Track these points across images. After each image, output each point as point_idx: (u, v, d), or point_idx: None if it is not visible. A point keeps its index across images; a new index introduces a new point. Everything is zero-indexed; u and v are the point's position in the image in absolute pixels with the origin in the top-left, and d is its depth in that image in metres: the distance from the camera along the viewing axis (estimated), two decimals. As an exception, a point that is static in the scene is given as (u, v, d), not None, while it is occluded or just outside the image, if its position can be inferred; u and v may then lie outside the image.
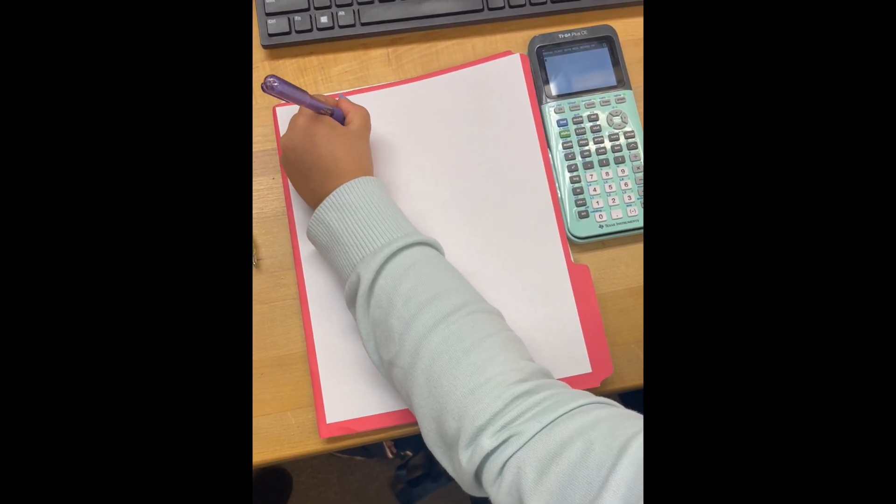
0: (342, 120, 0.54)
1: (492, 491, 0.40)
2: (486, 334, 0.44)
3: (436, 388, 0.42)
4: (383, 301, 0.46)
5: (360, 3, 0.61)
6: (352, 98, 0.59)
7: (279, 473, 1.26)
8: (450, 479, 1.31)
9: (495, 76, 0.61)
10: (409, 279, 0.46)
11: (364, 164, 0.52)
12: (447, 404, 0.42)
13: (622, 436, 0.36)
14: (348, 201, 0.49)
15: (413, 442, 1.22)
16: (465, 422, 0.40)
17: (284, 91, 0.45)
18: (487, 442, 0.39)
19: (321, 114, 0.51)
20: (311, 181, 0.51)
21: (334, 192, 0.49)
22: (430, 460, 1.22)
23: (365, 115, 0.54)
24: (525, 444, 0.38)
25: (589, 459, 0.35)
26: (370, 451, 1.23)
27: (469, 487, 0.42)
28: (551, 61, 0.61)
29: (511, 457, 0.39)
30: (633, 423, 0.37)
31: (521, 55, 0.61)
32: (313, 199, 0.52)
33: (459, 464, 0.41)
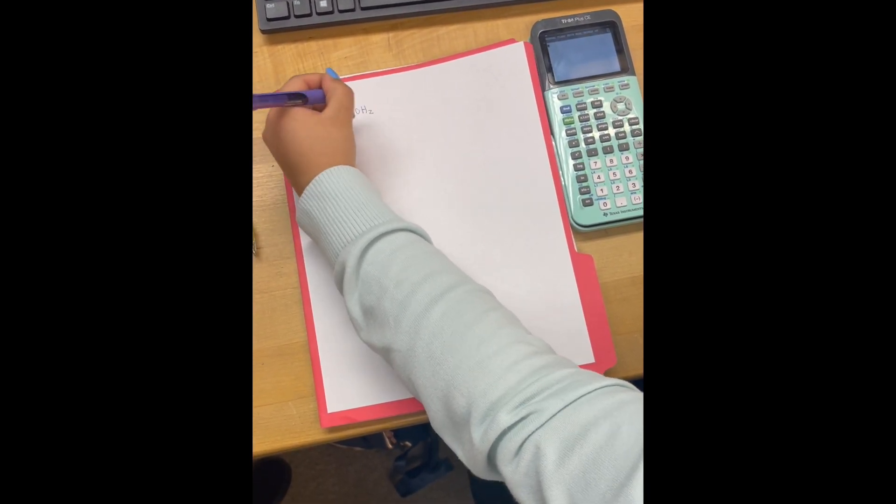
0: (322, 101, 0.52)
1: (507, 471, 0.37)
2: (487, 308, 0.42)
3: (440, 366, 0.40)
4: (373, 286, 0.44)
5: (360, -12, 0.60)
6: (355, 84, 0.58)
7: (278, 464, 1.26)
8: (448, 469, 1.31)
9: (499, 64, 0.60)
10: (397, 262, 0.44)
11: (335, 155, 0.50)
12: (454, 381, 0.39)
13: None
14: (326, 190, 0.48)
15: (412, 433, 1.21)
16: (477, 397, 0.38)
17: (265, 102, 0.47)
18: (505, 418, 0.37)
19: (295, 105, 0.50)
20: (289, 174, 0.51)
21: (312, 182, 0.48)
22: (429, 451, 1.22)
23: (341, 99, 0.51)
24: (546, 422, 0.36)
25: (616, 444, 0.33)
26: (369, 441, 1.23)
27: (481, 469, 0.40)
28: (554, 47, 0.61)
29: (530, 435, 0.36)
30: None
31: (525, 43, 0.60)
32: (298, 191, 0.51)
33: (471, 443, 0.38)
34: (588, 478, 0.33)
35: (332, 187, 0.48)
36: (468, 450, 0.39)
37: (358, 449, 1.26)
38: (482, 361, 0.39)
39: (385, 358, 0.46)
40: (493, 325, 0.41)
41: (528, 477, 0.36)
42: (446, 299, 0.42)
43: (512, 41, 0.60)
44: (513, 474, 0.37)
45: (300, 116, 0.49)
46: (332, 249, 0.47)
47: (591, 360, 0.54)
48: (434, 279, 0.43)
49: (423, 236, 0.48)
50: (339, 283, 0.47)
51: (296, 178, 0.50)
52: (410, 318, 0.42)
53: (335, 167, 0.49)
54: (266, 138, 0.52)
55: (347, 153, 0.51)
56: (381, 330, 0.44)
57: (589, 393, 0.36)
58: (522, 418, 0.37)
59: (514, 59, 0.60)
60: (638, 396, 0.36)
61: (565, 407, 0.36)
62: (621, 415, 0.34)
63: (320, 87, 0.52)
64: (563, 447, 0.35)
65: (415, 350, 0.42)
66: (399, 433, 1.22)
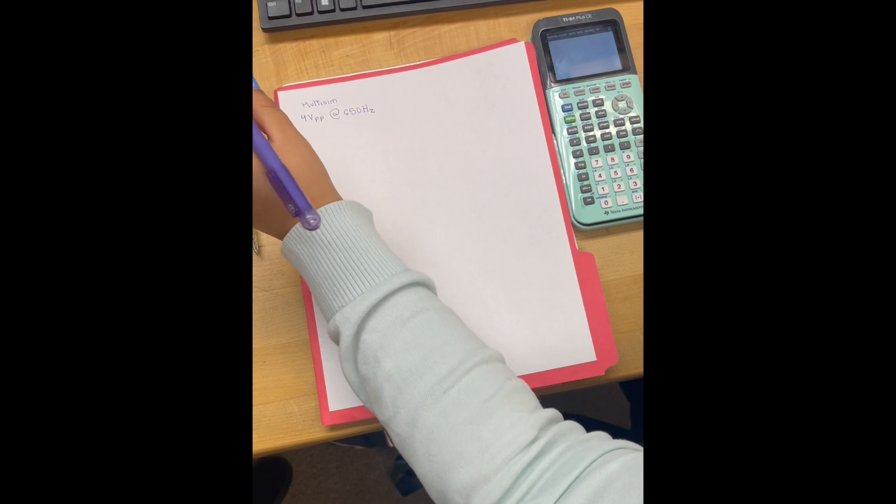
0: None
1: None
2: (489, 395, 0.40)
3: (437, 465, 0.39)
4: (370, 359, 0.41)
5: (361, -14, 0.60)
6: (357, 83, 0.58)
7: (279, 462, 1.26)
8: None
9: (500, 64, 0.60)
10: (397, 335, 0.41)
11: (313, 176, 0.44)
12: (451, 483, 0.38)
13: (637, 492, 0.34)
14: (318, 234, 0.43)
15: (413, 431, 1.21)
16: (475, 502, 0.37)
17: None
18: None
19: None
20: (265, 223, 0.45)
21: (296, 227, 0.43)
22: (430, 449, 1.22)
23: (278, 118, 0.45)
24: None
25: None
26: (370, 440, 1.23)
27: None
28: (555, 45, 0.61)
29: None
30: None
31: (526, 43, 0.60)
32: (279, 234, 0.45)
33: None
34: None
35: (327, 232, 0.43)
36: None
37: (359, 447, 1.26)
38: (480, 467, 0.38)
39: (384, 426, 0.43)
40: (494, 416, 0.39)
41: None
42: (445, 388, 0.40)
43: (513, 41, 0.61)
44: None
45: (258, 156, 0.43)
46: (327, 306, 0.43)
47: (593, 357, 0.54)
48: (434, 361, 0.40)
49: (426, 286, 0.44)
50: (335, 341, 0.44)
51: (276, 221, 0.44)
52: (408, 408, 0.40)
53: (328, 206, 0.43)
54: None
55: (319, 175, 0.45)
56: (378, 406, 0.42)
57: (577, 477, 0.36)
58: None
59: (516, 59, 0.60)
60: (628, 462, 0.36)
61: (556, 501, 0.35)
62: (611, 493, 0.34)
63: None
64: None
65: (412, 441, 0.40)
66: (400, 432, 1.21)
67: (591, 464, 0.36)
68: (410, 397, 0.40)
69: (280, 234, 0.45)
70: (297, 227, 0.43)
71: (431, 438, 0.39)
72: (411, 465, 0.42)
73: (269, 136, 0.45)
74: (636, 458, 0.36)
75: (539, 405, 0.41)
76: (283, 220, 0.44)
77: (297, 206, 0.40)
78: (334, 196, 0.46)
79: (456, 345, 0.42)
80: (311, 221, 0.40)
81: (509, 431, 0.38)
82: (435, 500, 0.41)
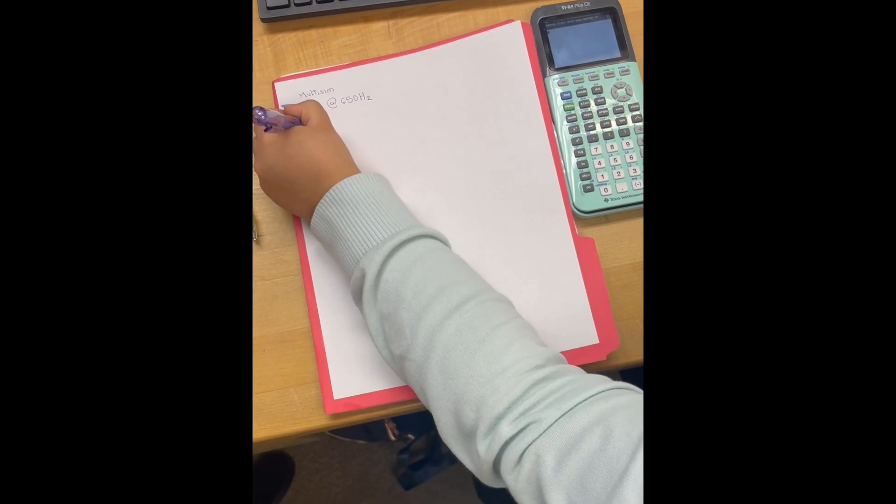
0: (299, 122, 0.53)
1: (510, 479, 0.39)
2: (500, 322, 0.43)
3: (452, 380, 0.42)
4: (391, 295, 0.45)
5: (359, -25, 0.60)
6: (352, 70, 0.58)
7: (281, 458, 1.26)
8: (451, 462, 1.31)
9: (496, 45, 0.60)
10: (416, 271, 0.45)
11: (343, 154, 0.52)
12: (465, 395, 0.41)
13: (641, 423, 0.35)
14: (348, 196, 0.48)
15: (415, 426, 1.22)
16: (484, 411, 0.40)
17: (271, 119, 0.48)
18: (506, 429, 0.39)
19: (293, 126, 0.51)
20: (301, 192, 0.51)
21: (334, 188, 0.48)
22: (432, 444, 1.22)
23: (317, 107, 0.53)
24: (544, 431, 0.38)
25: (608, 447, 0.35)
26: (372, 434, 1.23)
27: (487, 478, 0.42)
28: (554, 33, 0.61)
29: (530, 444, 0.38)
30: None
31: (521, 23, 0.60)
32: (308, 208, 0.51)
33: (478, 454, 0.40)
34: (584, 481, 0.35)
35: (355, 193, 0.48)
36: (475, 460, 0.41)
37: (361, 442, 1.26)
38: (491, 378, 0.40)
39: (398, 366, 0.47)
40: (505, 340, 0.42)
41: (529, 484, 0.38)
42: (461, 312, 0.43)
43: (509, 21, 0.60)
44: (515, 482, 0.39)
45: (299, 130, 0.50)
46: (352, 256, 0.48)
47: (596, 341, 0.54)
48: (451, 291, 0.44)
49: (443, 241, 0.50)
50: (358, 291, 0.48)
51: (314, 187, 0.50)
52: (426, 331, 0.43)
53: (357, 175, 0.49)
54: (268, 164, 0.50)
55: (347, 153, 0.53)
56: (397, 339, 0.45)
57: (585, 400, 0.38)
58: (522, 429, 0.38)
59: (512, 39, 0.60)
60: (632, 399, 0.38)
61: (562, 416, 0.38)
62: (614, 419, 0.36)
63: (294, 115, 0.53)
64: (560, 454, 0.36)
65: (429, 362, 0.43)
66: (402, 426, 1.22)
67: (597, 393, 0.38)
68: (428, 322, 0.43)
69: (309, 209, 0.51)
70: (330, 193, 0.49)
71: (447, 354, 0.42)
72: (424, 393, 0.44)
73: (307, 119, 0.52)
74: (639, 396, 0.38)
75: (544, 344, 0.44)
76: (310, 194, 0.50)
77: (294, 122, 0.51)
78: (357, 171, 0.52)
79: (470, 282, 0.46)
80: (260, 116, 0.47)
81: (519, 352, 0.41)
82: (446, 426, 0.43)
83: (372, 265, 0.46)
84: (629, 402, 0.37)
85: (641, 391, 0.40)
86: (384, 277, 0.46)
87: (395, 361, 0.47)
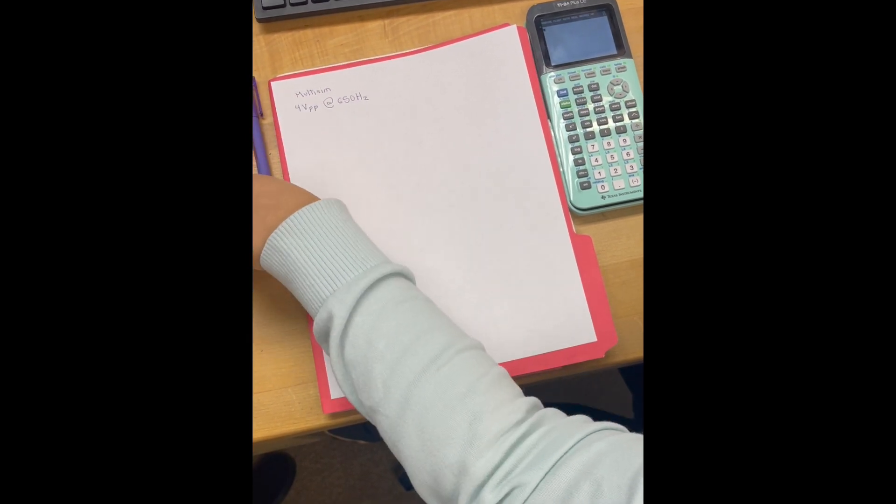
0: None
1: None
2: (480, 374, 0.41)
3: (430, 441, 0.39)
4: (360, 341, 0.42)
5: (355, -25, 0.60)
6: (349, 71, 0.58)
7: (282, 459, 1.26)
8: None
9: (492, 48, 0.60)
10: (388, 316, 0.42)
11: (292, 186, 0.48)
12: (445, 458, 0.38)
13: (629, 469, 0.34)
14: (309, 226, 0.44)
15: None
16: (465, 478, 0.38)
17: None
18: (489, 497, 0.36)
19: None
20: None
21: (292, 216, 0.44)
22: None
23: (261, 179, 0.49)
24: (529, 495, 0.36)
25: (600, 502, 0.33)
26: (373, 434, 1.23)
27: None
28: (550, 31, 0.61)
29: None
30: (637, 452, 0.35)
31: (518, 27, 0.60)
32: (259, 240, 0.45)
33: None
34: None
35: (316, 222, 0.44)
36: None
37: (362, 442, 1.26)
38: (473, 441, 0.38)
39: (369, 416, 0.44)
40: (485, 395, 0.40)
41: None
42: (438, 365, 0.40)
43: (505, 25, 0.60)
44: None
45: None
46: (317, 295, 0.43)
47: (594, 338, 0.54)
48: (426, 340, 0.41)
49: (409, 279, 0.46)
50: (324, 334, 0.44)
51: (264, 217, 0.45)
52: (402, 386, 0.40)
53: (318, 201, 0.45)
54: None
55: (297, 188, 0.48)
56: (366, 390, 0.42)
57: (566, 453, 0.36)
58: (507, 495, 0.36)
59: (508, 43, 0.60)
60: (614, 442, 0.36)
61: (545, 475, 0.36)
62: (599, 470, 0.35)
63: None
64: None
65: (404, 420, 0.40)
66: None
67: (578, 441, 0.37)
68: (404, 375, 0.40)
69: (258, 248, 0.46)
70: (285, 224, 0.44)
71: (425, 414, 0.40)
72: (398, 450, 0.42)
73: None
74: (622, 437, 0.37)
75: (521, 393, 0.42)
76: (259, 231, 0.45)
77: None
78: (315, 199, 0.47)
79: (445, 329, 0.43)
80: None
81: (501, 409, 0.39)
82: (422, 485, 0.41)
83: (341, 308, 0.42)
84: (612, 447, 0.36)
85: (623, 430, 0.39)
86: (355, 321, 0.42)
87: (365, 411, 0.44)
